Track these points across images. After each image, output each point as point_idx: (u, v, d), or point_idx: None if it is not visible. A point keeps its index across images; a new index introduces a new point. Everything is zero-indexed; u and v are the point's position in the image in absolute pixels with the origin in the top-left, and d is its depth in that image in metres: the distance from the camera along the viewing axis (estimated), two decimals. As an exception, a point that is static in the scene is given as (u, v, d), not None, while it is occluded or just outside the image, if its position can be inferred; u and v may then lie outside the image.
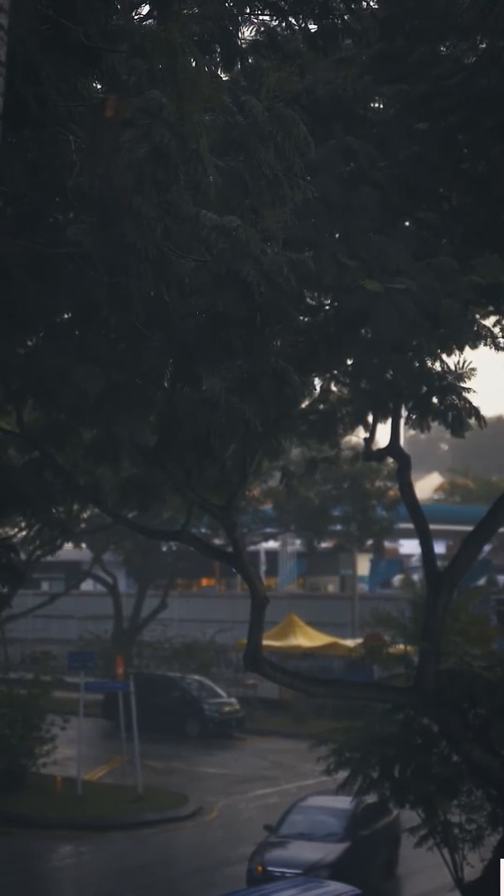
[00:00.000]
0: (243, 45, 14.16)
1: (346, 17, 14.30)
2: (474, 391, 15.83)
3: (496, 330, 17.21)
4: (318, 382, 18.53)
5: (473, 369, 15.73)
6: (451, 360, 15.85)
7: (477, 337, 15.75)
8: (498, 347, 16.39)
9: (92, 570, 48.80)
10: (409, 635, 19.44)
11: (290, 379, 13.21)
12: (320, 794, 24.27)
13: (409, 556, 62.08)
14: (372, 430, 19.47)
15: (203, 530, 39.83)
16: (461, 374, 15.74)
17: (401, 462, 19.04)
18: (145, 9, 12.09)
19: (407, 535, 48.53)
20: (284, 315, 13.09)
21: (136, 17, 11.74)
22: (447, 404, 15.72)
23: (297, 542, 56.12)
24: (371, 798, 21.99)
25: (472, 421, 15.92)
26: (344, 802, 22.73)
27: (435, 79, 14.67)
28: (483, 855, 18.52)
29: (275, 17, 14.37)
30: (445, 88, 14.48)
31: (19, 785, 29.26)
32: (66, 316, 13.67)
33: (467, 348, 16.07)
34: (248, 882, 20.36)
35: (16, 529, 33.04)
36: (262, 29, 14.49)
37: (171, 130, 9.86)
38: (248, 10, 14.28)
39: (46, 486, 16.96)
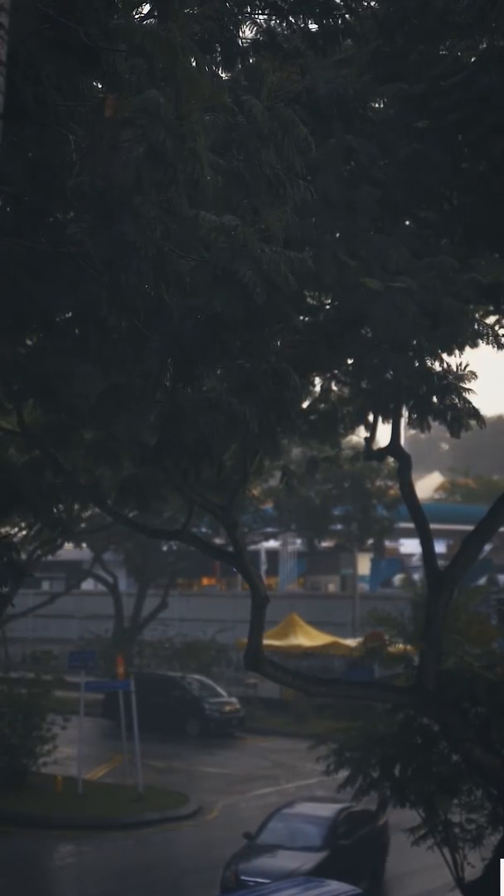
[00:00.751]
0: (244, 45, 14.17)
1: (346, 17, 14.30)
2: (474, 392, 15.84)
3: (497, 329, 17.21)
4: (318, 382, 18.54)
5: (474, 372, 15.73)
6: (452, 360, 15.87)
7: (477, 336, 15.74)
8: (500, 346, 16.36)
9: (92, 570, 48.82)
10: (408, 635, 19.46)
11: (289, 380, 13.21)
12: (306, 801, 24.07)
13: (409, 556, 62.07)
14: (372, 429, 19.47)
15: (203, 530, 39.84)
16: (461, 376, 15.73)
17: (401, 461, 19.03)
18: (146, 8, 12.11)
19: (407, 534, 48.54)
20: (283, 315, 13.09)
21: (136, 17, 11.75)
22: (447, 404, 15.72)
23: (298, 541, 56.13)
24: (357, 806, 21.96)
25: (473, 422, 15.93)
26: (326, 810, 22.54)
27: (434, 78, 14.67)
28: (483, 854, 18.53)
29: (275, 17, 14.38)
30: (445, 88, 14.49)
31: (20, 784, 29.29)
32: (66, 315, 13.68)
33: (468, 347, 16.08)
34: (222, 891, 20.10)
35: (16, 529, 33.04)
36: (263, 28, 14.49)
37: (168, 130, 9.86)
38: (248, 10, 14.29)
39: (47, 485, 16.97)
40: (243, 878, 20.07)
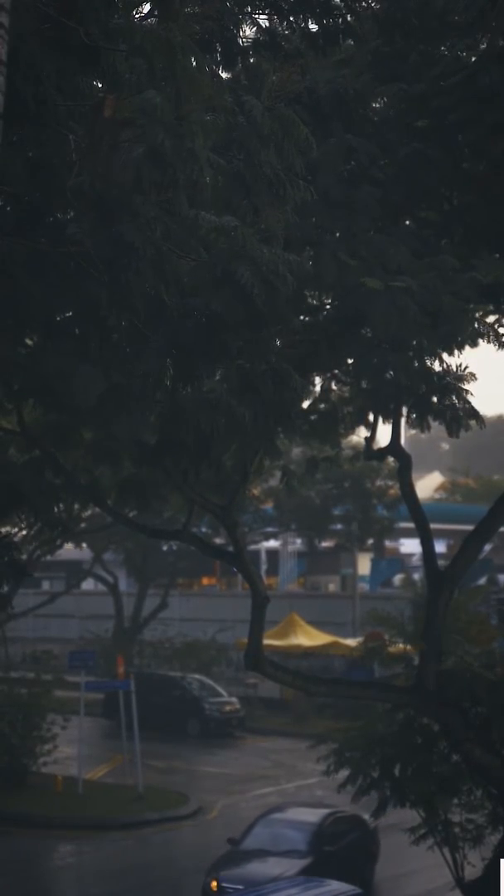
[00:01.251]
0: (244, 45, 14.17)
1: (346, 17, 14.30)
2: (471, 394, 15.87)
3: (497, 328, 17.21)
4: (318, 382, 18.54)
5: (473, 373, 15.75)
6: (452, 361, 15.89)
7: (477, 335, 15.77)
8: (500, 344, 16.40)
9: (93, 570, 48.83)
10: (408, 635, 19.46)
11: (290, 380, 13.21)
12: (294, 805, 23.66)
13: (409, 556, 62.09)
14: (373, 429, 19.48)
15: (203, 529, 39.85)
16: (461, 376, 15.75)
17: (402, 461, 19.04)
18: (146, 7, 12.12)
19: (408, 534, 48.54)
20: (282, 316, 13.08)
21: (136, 17, 11.75)
22: (446, 404, 15.74)
23: (298, 541, 56.13)
24: (346, 811, 21.77)
25: (473, 422, 15.95)
26: (312, 815, 22.11)
27: (434, 78, 14.67)
28: (483, 854, 18.53)
29: (275, 17, 14.38)
30: (445, 88, 14.48)
31: (20, 784, 29.29)
32: (66, 315, 13.68)
33: (468, 347, 16.09)
34: None
35: (16, 529, 33.06)
36: (263, 28, 14.50)
37: (166, 131, 9.86)
38: (248, 10, 14.29)
39: (47, 485, 16.98)
40: (224, 885, 19.60)
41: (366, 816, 22.33)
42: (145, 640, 47.89)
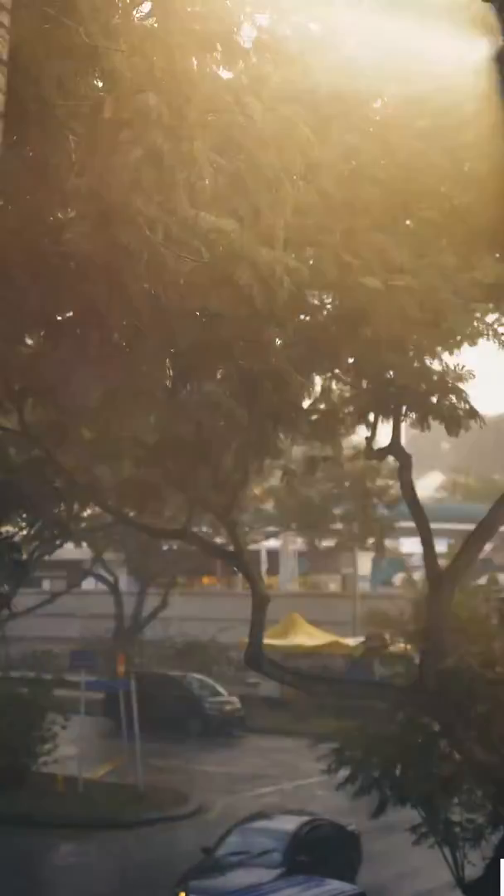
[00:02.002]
0: (244, 45, 14.14)
1: (346, 17, 14.31)
2: (468, 395, 15.89)
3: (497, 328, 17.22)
4: (318, 382, 18.53)
5: (472, 373, 15.77)
6: (451, 360, 15.90)
7: (477, 334, 15.78)
8: (501, 343, 16.41)
9: (93, 569, 48.81)
10: (407, 635, 19.47)
11: (290, 381, 13.22)
12: (275, 813, 23.09)
13: (410, 555, 62.04)
14: (373, 428, 19.47)
15: (204, 529, 39.84)
16: (460, 376, 15.77)
17: (402, 461, 19.04)
18: (146, 7, 12.10)
19: (408, 533, 48.42)
20: (280, 318, 13.09)
21: (137, 16, 11.74)
22: (445, 404, 15.76)
23: (299, 540, 56.11)
24: (321, 820, 21.65)
25: (473, 422, 15.97)
26: (289, 823, 21.43)
27: (434, 77, 14.67)
28: (484, 854, 18.53)
29: (276, 16, 14.36)
30: (445, 88, 14.48)
31: (20, 784, 29.25)
32: (66, 315, 13.68)
33: (467, 346, 16.10)
34: None
35: (17, 529, 33.02)
36: (264, 28, 14.47)
37: (164, 132, 9.86)
38: (248, 10, 14.26)
39: (47, 484, 17.00)
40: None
41: (345, 823, 22.14)
42: (146, 639, 47.88)
